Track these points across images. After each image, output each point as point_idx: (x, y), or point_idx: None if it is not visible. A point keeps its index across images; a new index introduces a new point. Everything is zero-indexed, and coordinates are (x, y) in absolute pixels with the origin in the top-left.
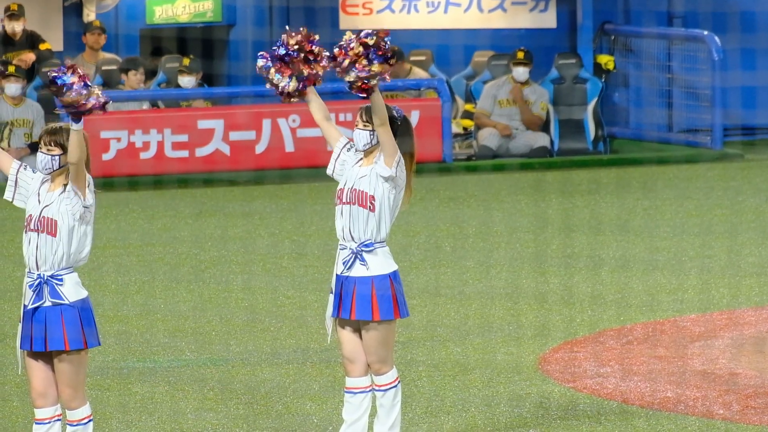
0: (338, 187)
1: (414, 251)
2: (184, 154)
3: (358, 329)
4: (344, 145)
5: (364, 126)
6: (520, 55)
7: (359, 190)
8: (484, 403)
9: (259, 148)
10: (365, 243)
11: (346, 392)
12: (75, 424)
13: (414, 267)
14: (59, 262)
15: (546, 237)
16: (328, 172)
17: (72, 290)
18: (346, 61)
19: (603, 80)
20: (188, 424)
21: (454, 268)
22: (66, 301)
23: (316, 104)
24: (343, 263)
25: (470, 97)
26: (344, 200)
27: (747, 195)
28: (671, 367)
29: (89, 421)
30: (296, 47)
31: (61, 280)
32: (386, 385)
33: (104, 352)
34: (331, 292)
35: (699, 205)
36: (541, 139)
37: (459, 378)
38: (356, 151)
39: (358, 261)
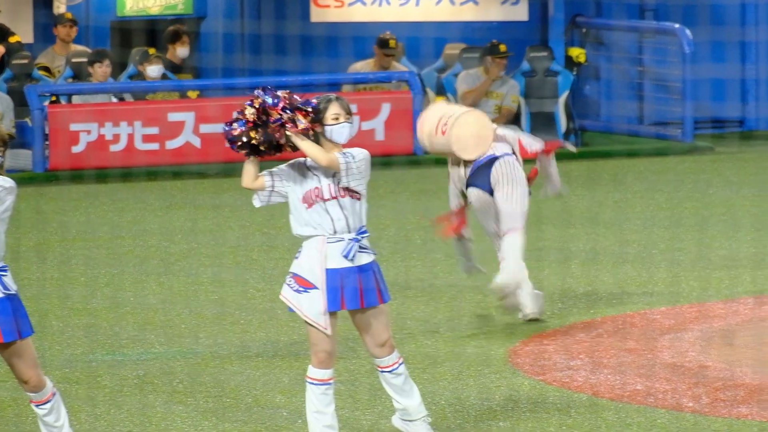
0: (304, 191)
1: (384, 244)
2: (155, 146)
3: (337, 321)
4: (271, 176)
5: (346, 119)
6: (503, 48)
7: (338, 185)
8: (454, 396)
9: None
10: (361, 231)
11: (324, 384)
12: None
13: (383, 260)
14: None
15: None
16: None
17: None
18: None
19: (574, 73)
20: (157, 417)
21: (424, 261)
22: None
23: (255, 170)
24: (344, 255)
25: (441, 89)
26: (327, 197)
27: (717, 188)
28: (641, 360)
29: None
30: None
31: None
32: (399, 360)
33: (72, 344)
34: (312, 288)
35: (669, 198)
36: None
37: (428, 371)
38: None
39: (359, 249)
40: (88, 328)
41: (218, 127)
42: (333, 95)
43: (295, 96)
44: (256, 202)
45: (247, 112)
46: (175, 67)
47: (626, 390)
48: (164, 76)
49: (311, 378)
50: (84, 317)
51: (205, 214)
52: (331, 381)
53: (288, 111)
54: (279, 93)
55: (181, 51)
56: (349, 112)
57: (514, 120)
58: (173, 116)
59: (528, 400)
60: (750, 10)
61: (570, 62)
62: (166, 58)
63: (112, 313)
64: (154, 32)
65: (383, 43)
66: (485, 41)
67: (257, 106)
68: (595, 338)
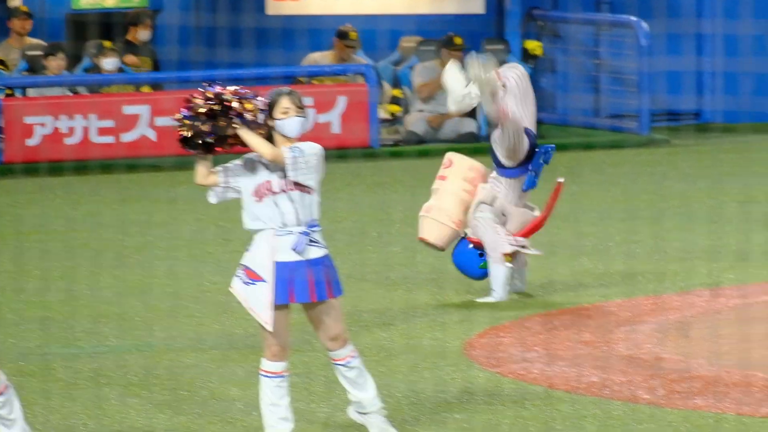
0: (255, 185)
1: (340, 236)
2: (110, 139)
3: (289, 314)
4: (225, 172)
5: (297, 112)
6: (458, 41)
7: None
8: (409, 388)
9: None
10: (312, 224)
11: (278, 376)
12: None
13: (339, 252)
14: None
15: None
16: (213, 201)
17: None
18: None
19: (530, 66)
20: (112, 409)
21: (380, 253)
22: None
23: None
24: (293, 249)
25: (397, 82)
26: (277, 190)
27: (673, 180)
28: (596, 352)
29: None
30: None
31: None
32: (353, 352)
33: (27, 337)
34: (260, 280)
35: (625, 190)
36: (468, 125)
37: (384, 363)
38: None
39: (310, 243)
40: (43, 321)
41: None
42: (285, 89)
43: (241, 90)
44: (212, 199)
45: (195, 105)
46: (134, 49)
47: (582, 382)
48: (120, 69)
49: (265, 371)
50: (38, 310)
51: (160, 207)
52: (285, 373)
53: (236, 105)
54: (227, 87)
55: (143, 34)
56: (300, 106)
57: (469, 112)
58: (128, 109)
59: (483, 392)
60: (706, 3)
61: (526, 55)
62: (126, 39)
63: (67, 306)
64: (109, 25)
65: (343, 35)
66: (441, 34)
67: (209, 97)
68: (550, 330)
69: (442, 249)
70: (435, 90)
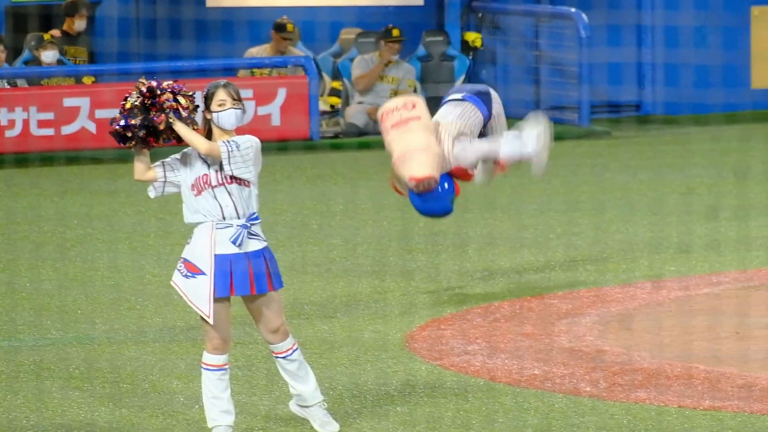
0: (193, 178)
1: (280, 229)
2: (50, 132)
3: (229, 307)
4: (163, 167)
5: (233, 104)
6: (396, 32)
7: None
8: (351, 381)
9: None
10: (252, 217)
11: (219, 369)
12: None
13: (280, 244)
14: None
15: (413, 215)
16: (153, 195)
17: None
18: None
19: (470, 58)
20: (54, 402)
21: (321, 245)
22: None
23: (145, 162)
24: (232, 241)
25: (337, 74)
26: (215, 183)
27: (613, 172)
28: (538, 345)
29: None
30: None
31: None
32: (294, 345)
33: None
34: (200, 274)
35: (565, 182)
36: None
37: (325, 356)
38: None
39: (248, 236)
40: None
41: (114, 113)
42: (221, 81)
43: (176, 84)
44: (151, 193)
45: (129, 100)
46: (71, 39)
47: (523, 375)
48: (59, 62)
49: (206, 364)
50: None
51: (101, 199)
52: (226, 366)
53: (171, 100)
54: (162, 82)
55: (79, 24)
56: (236, 98)
57: None
58: (68, 101)
59: (425, 385)
60: None
61: (466, 47)
62: (63, 30)
63: (8, 299)
64: (49, 17)
65: (280, 28)
66: (381, 26)
67: (144, 90)
68: (492, 323)
69: (436, 181)
70: (372, 82)
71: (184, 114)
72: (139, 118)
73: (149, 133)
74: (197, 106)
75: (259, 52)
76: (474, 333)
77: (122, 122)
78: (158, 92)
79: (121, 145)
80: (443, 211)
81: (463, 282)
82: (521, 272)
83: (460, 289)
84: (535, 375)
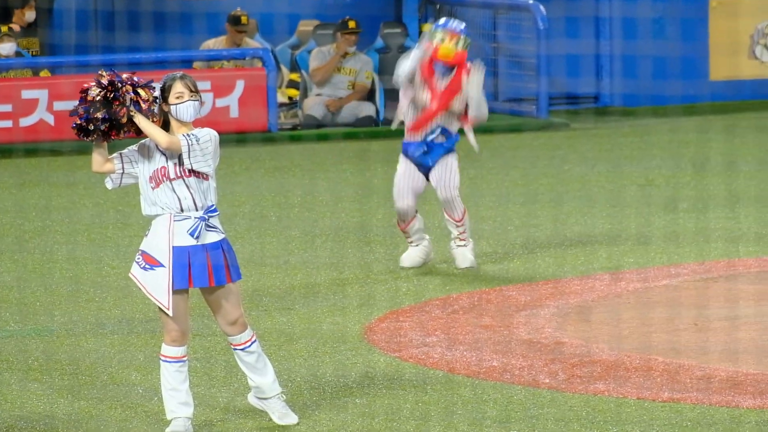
0: (151, 170)
1: (239, 221)
2: (8, 124)
3: (188, 299)
4: (121, 158)
5: (191, 96)
6: (352, 24)
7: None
8: (310, 372)
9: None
10: (209, 209)
11: (178, 361)
12: None
13: (239, 236)
14: None
15: (371, 206)
16: (110, 187)
17: None
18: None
19: None
20: (12, 395)
21: (279, 237)
22: None
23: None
24: (190, 233)
25: (295, 66)
26: (173, 176)
27: (572, 164)
28: (497, 336)
29: None
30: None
31: None
32: (252, 337)
33: None
34: (158, 266)
35: (524, 174)
36: (366, 109)
37: (284, 348)
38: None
39: (206, 228)
40: None
41: (72, 105)
42: (178, 74)
43: (136, 77)
44: (108, 184)
45: (91, 92)
46: (22, 31)
47: (482, 366)
48: (17, 54)
49: (165, 356)
50: None
51: (60, 191)
52: (184, 358)
53: (131, 93)
54: (122, 74)
55: (29, 15)
56: (193, 90)
57: (368, 96)
58: (26, 93)
59: (384, 377)
60: None
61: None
62: (15, 24)
63: None
64: (6, 9)
65: (235, 20)
66: (339, 18)
67: (104, 84)
68: (450, 315)
69: None
70: (329, 74)
71: (144, 106)
72: (102, 111)
73: (111, 126)
74: (156, 98)
75: (215, 44)
76: (433, 325)
77: (84, 115)
78: (119, 85)
79: (83, 138)
80: None
81: (421, 273)
82: (480, 264)
83: (419, 280)
84: (494, 367)
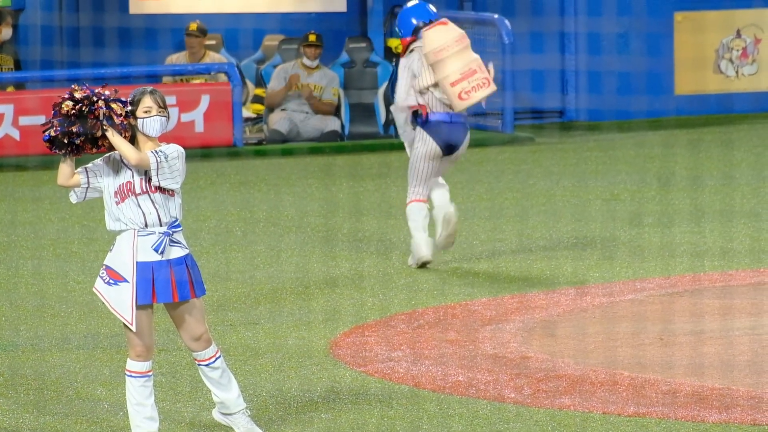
0: (117, 185)
1: (204, 236)
2: None
3: (152, 314)
4: (86, 173)
5: (158, 111)
6: (312, 37)
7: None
8: (275, 387)
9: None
10: (174, 225)
11: (143, 376)
12: None
13: (204, 251)
14: None
15: (336, 221)
16: (74, 200)
17: None
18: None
19: (394, 64)
20: None
21: (245, 252)
22: None
23: (71, 168)
24: (154, 249)
25: (261, 81)
26: (139, 191)
27: (537, 178)
28: (462, 351)
29: None
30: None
31: None
32: (216, 353)
33: None
34: (122, 281)
35: (489, 189)
36: (331, 123)
37: (250, 363)
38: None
39: (170, 243)
40: None
41: (37, 120)
42: (147, 88)
43: (108, 91)
44: (73, 198)
45: (64, 106)
46: None
47: (448, 381)
48: None
49: (130, 371)
50: None
51: (25, 206)
52: (150, 373)
53: (104, 107)
54: (95, 88)
55: (5, 32)
56: (162, 106)
57: (334, 112)
58: None
59: (349, 391)
60: (569, 1)
61: (389, 53)
62: None
63: None
64: None
65: (186, 29)
66: (304, 32)
67: (78, 98)
68: (416, 329)
69: None
70: (280, 101)
71: (117, 121)
72: (77, 125)
73: (86, 140)
74: (128, 113)
75: (178, 58)
76: (398, 340)
77: (59, 128)
78: (94, 99)
79: (55, 151)
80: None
81: (386, 288)
82: (445, 278)
83: (384, 295)
84: (460, 381)
